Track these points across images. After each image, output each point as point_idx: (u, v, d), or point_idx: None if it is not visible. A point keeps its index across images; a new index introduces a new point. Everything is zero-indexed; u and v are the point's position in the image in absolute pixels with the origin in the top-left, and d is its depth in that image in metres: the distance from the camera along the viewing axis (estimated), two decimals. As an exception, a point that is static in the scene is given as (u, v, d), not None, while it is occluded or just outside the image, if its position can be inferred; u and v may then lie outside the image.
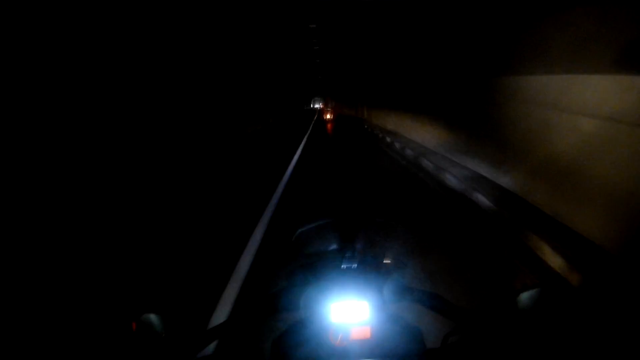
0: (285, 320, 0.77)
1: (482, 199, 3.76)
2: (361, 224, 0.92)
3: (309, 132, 13.92)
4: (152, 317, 0.58)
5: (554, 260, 2.40)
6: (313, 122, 19.75)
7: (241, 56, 8.89)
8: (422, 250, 2.61)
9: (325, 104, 39.03)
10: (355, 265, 0.72)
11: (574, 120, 2.61)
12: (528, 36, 3.22)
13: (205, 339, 0.60)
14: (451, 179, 4.70)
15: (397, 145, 8.16)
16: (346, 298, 0.64)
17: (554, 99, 2.87)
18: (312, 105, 44.50)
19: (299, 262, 0.82)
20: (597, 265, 2.15)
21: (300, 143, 10.00)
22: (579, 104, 2.58)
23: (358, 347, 0.62)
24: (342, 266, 0.72)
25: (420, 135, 7.66)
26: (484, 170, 4.48)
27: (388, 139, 9.15)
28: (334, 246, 0.83)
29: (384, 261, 0.79)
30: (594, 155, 2.44)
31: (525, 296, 0.57)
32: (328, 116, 24.95)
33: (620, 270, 2.03)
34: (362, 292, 0.65)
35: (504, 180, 3.90)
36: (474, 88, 4.65)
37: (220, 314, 1.92)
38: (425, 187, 4.82)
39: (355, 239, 0.82)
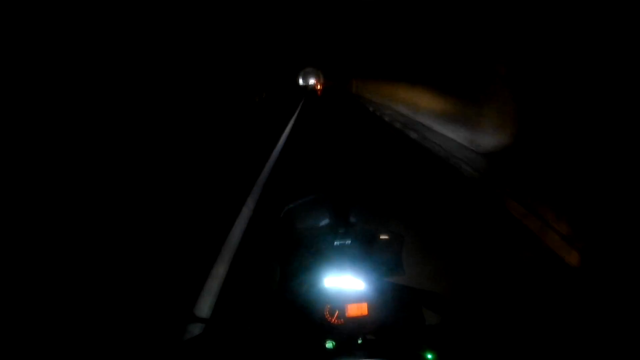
0: (280, 300, 0.75)
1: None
2: (352, 198, 0.88)
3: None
4: None
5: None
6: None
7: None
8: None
9: (318, 79, 33.92)
10: (349, 241, 0.70)
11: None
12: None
13: (196, 320, 0.58)
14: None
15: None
16: (341, 275, 0.62)
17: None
18: (301, 82, 35.60)
19: (289, 240, 0.79)
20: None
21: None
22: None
23: (355, 324, 0.61)
24: (335, 243, 0.70)
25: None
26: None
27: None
28: (325, 222, 0.80)
29: (380, 236, 0.77)
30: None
31: (519, 284, 0.56)
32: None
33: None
34: (358, 269, 0.63)
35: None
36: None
37: (209, 293, 1.88)
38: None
39: (347, 214, 0.79)
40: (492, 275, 2.03)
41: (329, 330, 0.61)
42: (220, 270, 2.13)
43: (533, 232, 2.57)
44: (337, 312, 0.62)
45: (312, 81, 36.85)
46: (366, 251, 0.70)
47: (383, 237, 0.77)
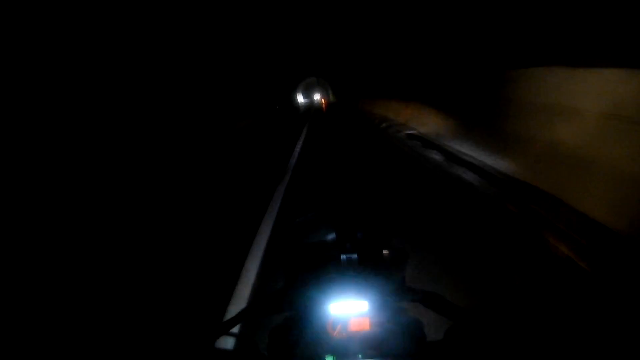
0: (283, 312, 0.76)
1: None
2: (359, 213, 0.90)
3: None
4: None
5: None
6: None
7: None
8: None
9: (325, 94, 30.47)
10: (355, 256, 0.71)
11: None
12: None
13: (205, 337, 0.58)
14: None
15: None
16: (346, 288, 0.63)
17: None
18: (300, 98, 30.43)
19: (297, 254, 0.81)
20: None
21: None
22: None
23: (357, 338, 0.60)
24: (342, 257, 0.71)
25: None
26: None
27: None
28: (332, 236, 0.81)
29: (383, 251, 0.78)
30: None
31: (524, 295, 0.56)
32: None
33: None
34: (361, 284, 0.64)
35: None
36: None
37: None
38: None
39: (353, 229, 0.81)
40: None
41: (330, 344, 0.61)
42: (246, 286, 2.16)
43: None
44: (339, 326, 0.62)
45: (317, 97, 33.79)
46: (371, 266, 0.70)
47: (387, 252, 0.78)
